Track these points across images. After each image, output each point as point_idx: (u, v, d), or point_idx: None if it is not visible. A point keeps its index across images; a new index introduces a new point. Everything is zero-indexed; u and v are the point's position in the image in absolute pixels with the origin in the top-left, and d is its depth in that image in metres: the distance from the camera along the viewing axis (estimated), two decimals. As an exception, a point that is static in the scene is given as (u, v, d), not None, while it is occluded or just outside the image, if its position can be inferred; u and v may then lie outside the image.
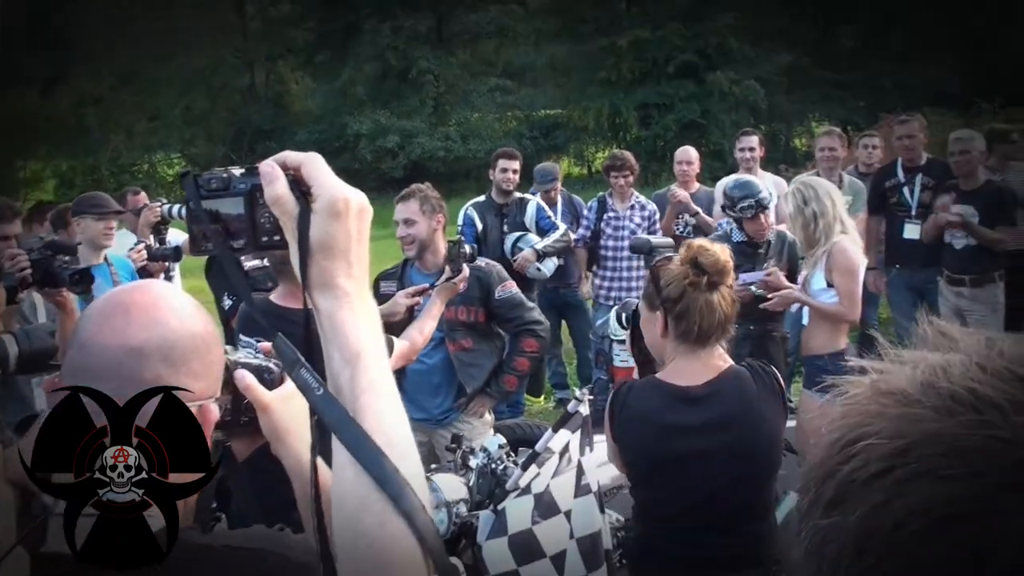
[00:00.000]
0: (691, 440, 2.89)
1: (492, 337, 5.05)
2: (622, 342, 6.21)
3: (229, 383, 1.47)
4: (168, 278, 7.42)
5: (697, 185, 7.87)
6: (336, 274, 1.14)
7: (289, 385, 1.51)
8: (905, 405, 0.61)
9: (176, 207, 6.09)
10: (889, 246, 7.47)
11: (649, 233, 7.34)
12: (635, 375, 6.22)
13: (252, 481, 1.78)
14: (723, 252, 2.95)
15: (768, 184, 7.82)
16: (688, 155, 7.98)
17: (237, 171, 1.22)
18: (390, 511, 1.05)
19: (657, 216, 7.50)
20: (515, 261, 6.97)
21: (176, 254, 5.62)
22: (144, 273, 5.71)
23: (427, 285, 4.60)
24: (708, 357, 2.96)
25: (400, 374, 4.92)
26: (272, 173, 1.15)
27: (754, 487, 2.99)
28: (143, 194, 7.85)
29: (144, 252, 5.77)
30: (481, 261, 4.98)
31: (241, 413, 1.52)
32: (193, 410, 1.30)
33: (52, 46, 29.01)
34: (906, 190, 7.33)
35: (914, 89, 26.49)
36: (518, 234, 7.14)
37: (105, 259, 5.41)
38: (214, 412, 1.37)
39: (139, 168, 30.78)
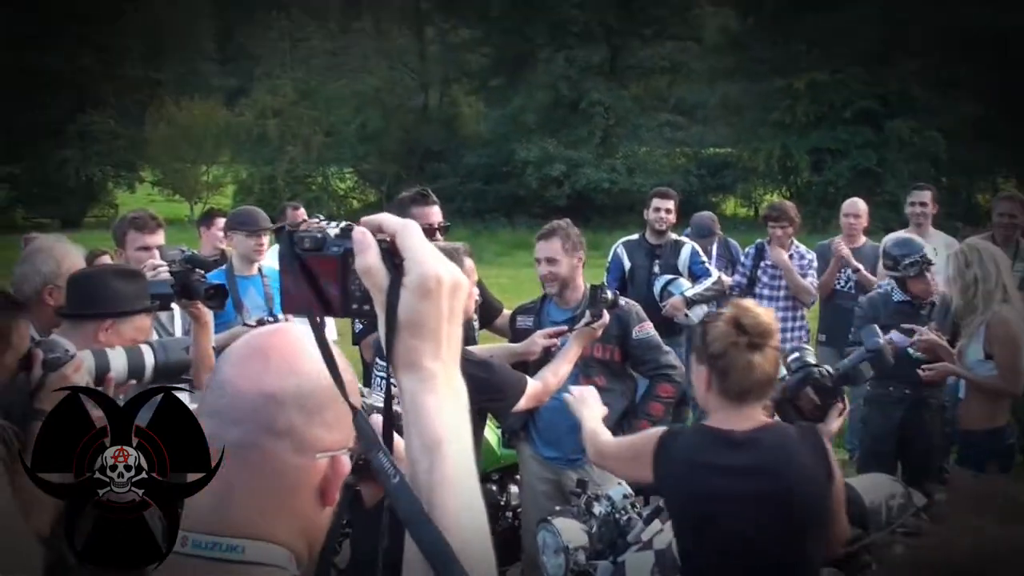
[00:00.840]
0: (731, 481, 2.97)
1: (625, 378, 4.99)
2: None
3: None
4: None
5: (863, 239, 7.59)
6: (423, 354, 1.12)
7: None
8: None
9: (333, 224, 6.23)
10: None
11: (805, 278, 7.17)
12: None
13: (377, 528, 1.73)
14: (767, 314, 3.05)
15: (938, 243, 7.50)
16: (856, 207, 7.70)
17: (332, 230, 1.18)
18: None
19: (815, 265, 7.24)
20: (664, 307, 6.83)
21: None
22: None
23: (565, 328, 4.57)
24: (751, 411, 3.04)
25: (534, 411, 4.89)
26: (364, 241, 1.12)
27: (791, 540, 3.00)
28: (302, 209, 8.08)
29: None
30: (621, 300, 4.93)
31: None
32: (324, 462, 1.29)
33: (237, 60, 30.57)
34: None
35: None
36: (669, 277, 7.00)
37: (259, 271, 5.55)
38: (346, 465, 1.33)
39: (313, 180, 31.97)
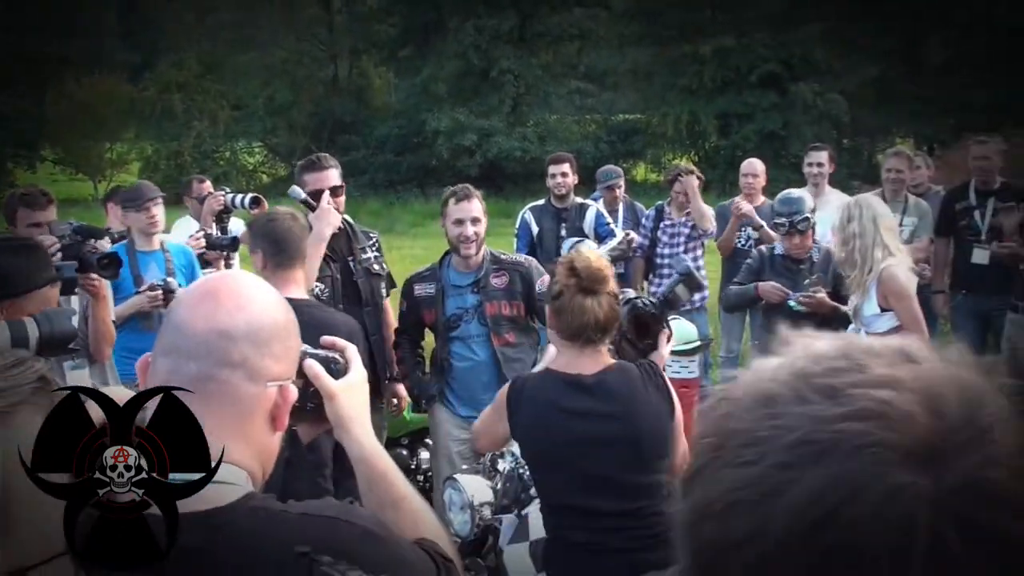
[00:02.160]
0: (584, 424, 3.15)
1: (531, 331, 5.15)
2: (676, 353, 6.17)
3: (299, 372, 1.57)
4: (228, 266, 7.58)
5: (763, 198, 7.75)
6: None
7: (355, 375, 1.70)
8: (730, 407, 0.71)
9: (240, 196, 6.18)
10: (956, 270, 7.28)
11: (701, 241, 7.33)
12: (687, 387, 6.20)
13: (310, 462, 1.92)
14: (598, 260, 3.24)
15: (834, 201, 7.72)
16: (754, 167, 7.87)
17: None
18: None
19: (714, 224, 7.42)
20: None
21: (234, 244, 5.69)
22: (203, 261, 5.79)
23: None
24: (594, 353, 3.22)
25: (448, 373, 4.98)
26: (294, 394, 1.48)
27: (643, 471, 3.18)
28: (208, 182, 8.00)
29: (203, 240, 5.86)
30: (520, 257, 5.09)
31: (308, 400, 1.60)
32: (274, 390, 1.43)
33: (140, 34, 29.75)
34: (977, 213, 7.14)
35: (1003, 108, 25.89)
36: (575, 239, 7.09)
37: (161, 245, 5.49)
38: (293, 393, 1.48)
39: (221, 155, 31.39)
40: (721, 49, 27.78)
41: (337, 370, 1.68)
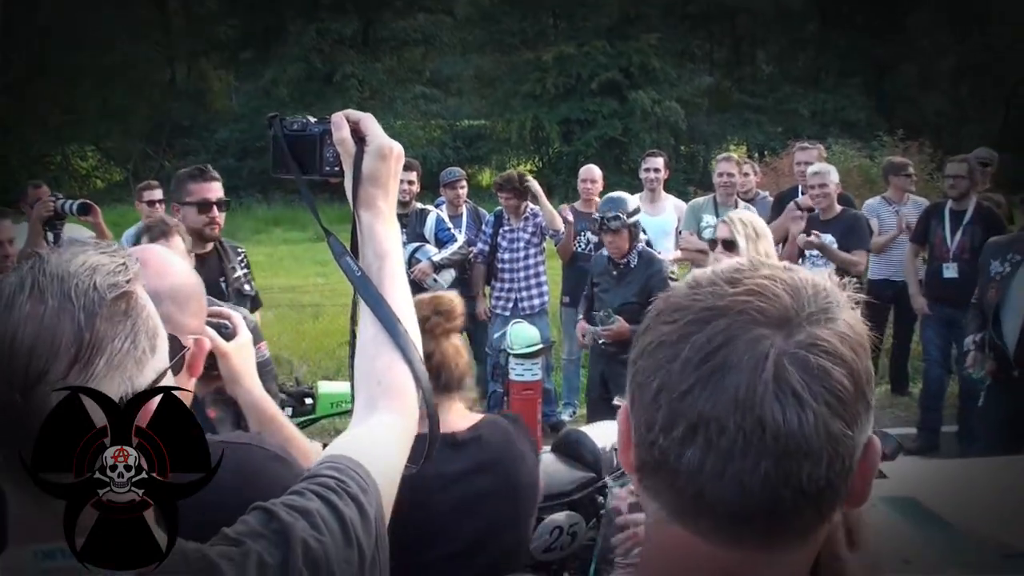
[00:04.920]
0: (457, 486, 2.77)
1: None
2: (519, 356, 6.28)
3: None
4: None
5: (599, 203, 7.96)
6: (377, 197, 1.61)
7: (242, 337, 2.08)
8: (677, 292, 0.99)
9: (71, 203, 5.98)
10: (929, 282, 7.54)
11: (542, 241, 7.47)
12: (530, 390, 6.31)
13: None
14: (452, 299, 2.89)
15: (669, 206, 8.01)
16: (591, 173, 8.08)
17: (312, 119, 1.66)
18: (398, 358, 1.53)
19: (562, 224, 7.55)
20: (412, 273, 6.98)
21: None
22: None
23: None
24: (460, 405, 2.89)
25: None
26: (340, 123, 1.60)
27: (518, 527, 2.93)
28: (45, 186, 7.73)
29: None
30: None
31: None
32: (190, 341, 1.59)
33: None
34: (948, 230, 7.28)
35: (824, 116, 27.30)
36: (416, 245, 7.15)
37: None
38: (206, 344, 1.65)
39: (52, 159, 30.11)
40: (562, 56, 28.25)
41: (227, 334, 2.02)
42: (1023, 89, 29.10)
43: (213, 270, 4.82)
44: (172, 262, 1.79)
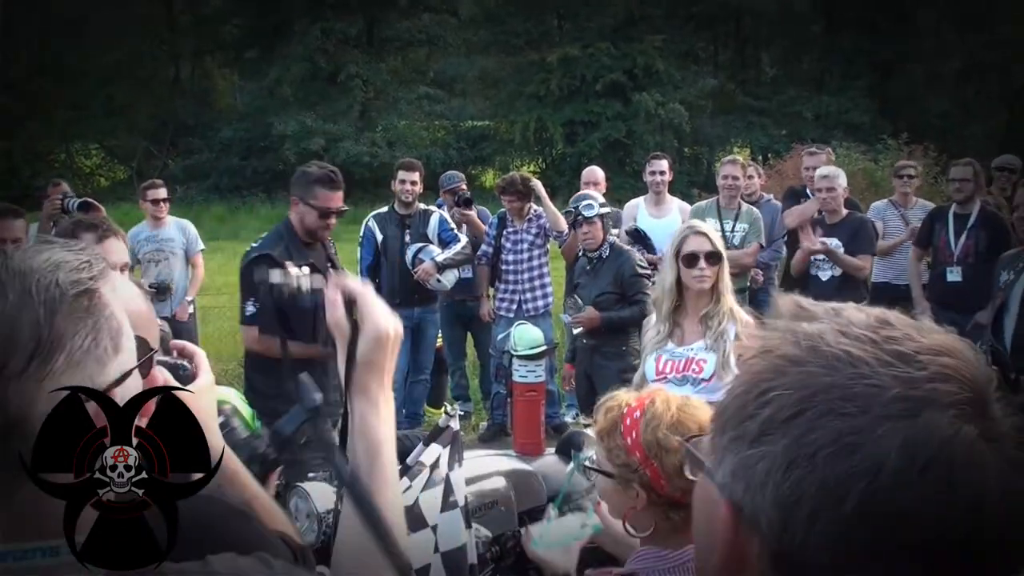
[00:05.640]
0: None
1: None
2: (522, 357, 6.28)
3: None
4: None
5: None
6: (371, 384, 1.49)
7: (203, 380, 1.79)
8: (799, 365, 0.83)
9: (73, 200, 6.00)
10: (933, 286, 7.55)
11: (545, 248, 7.48)
12: (533, 391, 6.31)
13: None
14: None
15: (674, 208, 8.00)
16: (595, 175, 8.07)
17: (305, 282, 1.61)
18: (388, 567, 1.40)
19: (566, 225, 7.54)
20: (416, 273, 6.99)
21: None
22: None
23: None
24: None
25: None
26: (335, 301, 1.50)
27: None
28: (63, 184, 7.67)
29: None
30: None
31: None
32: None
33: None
34: (952, 235, 7.29)
35: (828, 119, 27.28)
36: (419, 245, 7.15)
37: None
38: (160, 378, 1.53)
39: (56, 157, 30.13)
40: (566, 58, 28.26)
41: (185, 376, 1.74)
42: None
43: (320, 261, 4.85)
44: (127, 287, 1.62)
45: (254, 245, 4.96)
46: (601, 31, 29.01)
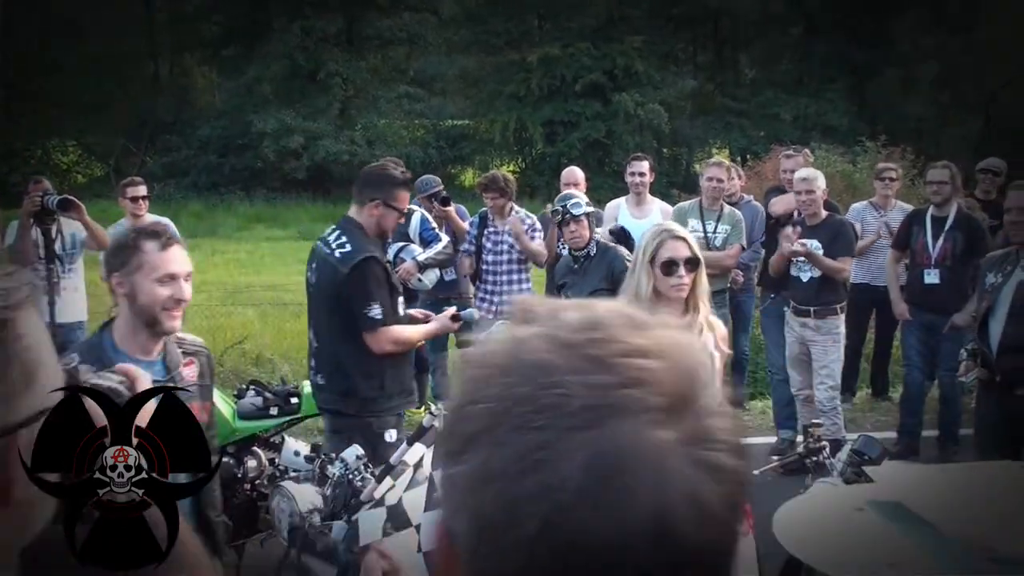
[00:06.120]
0: None
1: None
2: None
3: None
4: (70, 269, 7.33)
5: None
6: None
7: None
8: (506, 375, 0.78)
9: (52, 198, 5.95)
10: (911, 287, 7.53)
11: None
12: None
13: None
14: None
15: (655, 209, 8.03)
16: (574, 176, 8.08)
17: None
18: None
19: (538, 227, 7.52)
20: (397, 272, 6.97)
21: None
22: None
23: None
24: None
25: None
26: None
27: None
28: (45, 182, 7.62)
29: None
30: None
31: None
32: None
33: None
34: (930, 237, 7.29)
35: (806, 121, 27.43)
36: (400, 244, 7.14)
37: None
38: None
39: (32, 153, 29.89)
40: (547, 58, 28.29)
41: (121, 402, 1.60)
42: (1004, 95, 29.31)
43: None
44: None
45: (347, 250, 4.71)
46: (581, 31, 29.05)
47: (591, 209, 6.31)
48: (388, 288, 4.74)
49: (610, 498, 0.72)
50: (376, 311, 4.63)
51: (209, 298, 12.36)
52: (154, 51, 32.42)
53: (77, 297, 7.65)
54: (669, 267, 3.94)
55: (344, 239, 4.75)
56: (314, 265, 4.90)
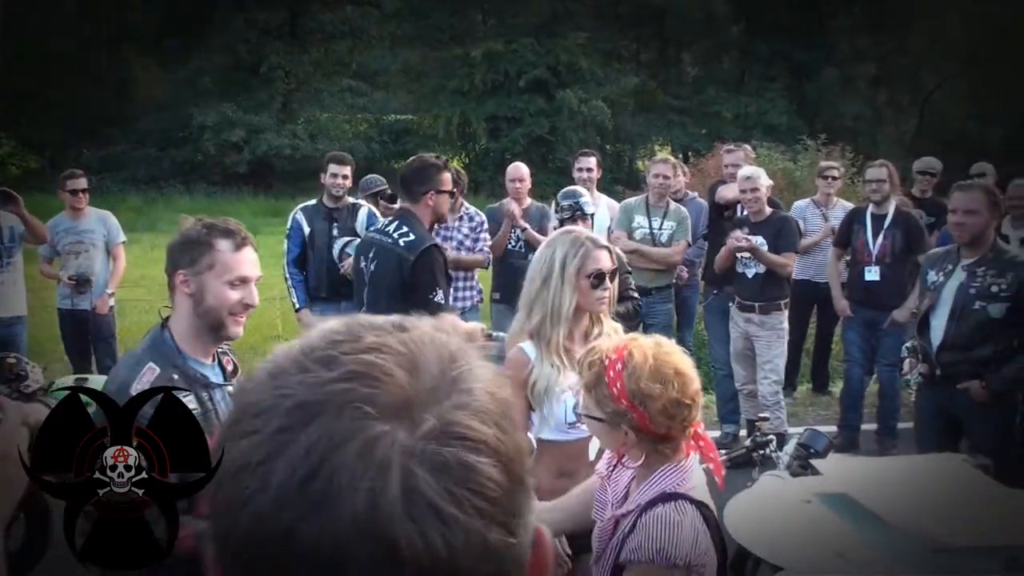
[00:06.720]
0: None
1: None
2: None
3: None
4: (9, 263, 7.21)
5: (529, 201, 7.97)
6: None
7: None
8: (244, 390, 0.77)
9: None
10: (851, 284, 7.59)
11: (476, 243, 7.41)
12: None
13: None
14: None
15: (602, 204, 8.07)
16: (519, 172, 8.08)
17: None
18: None
19: (485, 226, 7.49)
20: (343, 267, 6.95)
21: None
22: None
23: None
24: None
25: None
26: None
27: None
28: None
29: None
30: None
31: None
32: None
33: None
34: (870, 234, 7.38)
35: (748, 119, 27.78)
36: (346, 239, 7.11)
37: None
38: None
39: (-37, 145, 29.16)
40: (490, 53, 28.30)
41: None
42: (937, 96, 29.93)
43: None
44: None
45: (410, 239, 4.92)
46: (525, 27, 29.11)
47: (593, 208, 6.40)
48: (447, 277, 5.01)
49: (313, 499, 0.68)
50: (440, 296, 4.89)
51: (149, 292, 12.18)
52: (92, 43, 31.80)
53: (16, 291, 7.52)
54: (599, 280, 3.50)
55: (405, 228, 4.99)
56: (371, 254, 5.08)
